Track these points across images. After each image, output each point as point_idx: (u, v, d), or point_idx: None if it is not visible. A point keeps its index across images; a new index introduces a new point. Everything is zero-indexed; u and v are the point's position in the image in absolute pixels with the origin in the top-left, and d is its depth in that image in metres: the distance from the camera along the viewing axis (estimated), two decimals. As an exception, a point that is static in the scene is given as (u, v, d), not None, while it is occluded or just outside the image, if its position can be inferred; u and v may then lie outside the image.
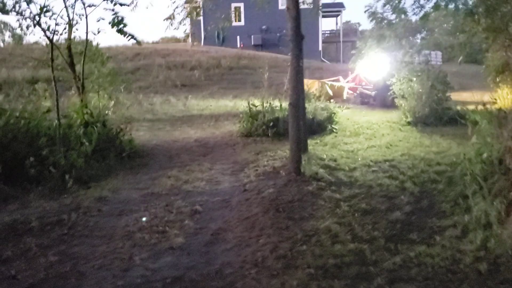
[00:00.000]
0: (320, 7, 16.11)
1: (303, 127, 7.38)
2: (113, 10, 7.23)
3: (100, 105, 9.33)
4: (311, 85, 17.73)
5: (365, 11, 14.81)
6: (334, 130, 11.99)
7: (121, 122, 9.86)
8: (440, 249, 4.78)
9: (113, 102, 11.13)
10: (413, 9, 14.34)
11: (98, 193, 6.69)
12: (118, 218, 5.84)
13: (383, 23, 15.91)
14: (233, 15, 35.84)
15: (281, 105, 11.95)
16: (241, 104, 17.33)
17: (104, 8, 7.34)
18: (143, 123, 13.82)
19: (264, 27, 35.69)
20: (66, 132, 7.62)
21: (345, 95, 17.05)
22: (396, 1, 14.64)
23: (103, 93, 9.83)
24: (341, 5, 39.66)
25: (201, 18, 37.36)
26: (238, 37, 36.00)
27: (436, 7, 14.46)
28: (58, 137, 7.18)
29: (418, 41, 53.47)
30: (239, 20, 36.40)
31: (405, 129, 12.44)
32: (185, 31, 43.00)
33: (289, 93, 7.30)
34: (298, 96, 7.16)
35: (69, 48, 8.43)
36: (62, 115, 8.03)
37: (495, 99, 18.14)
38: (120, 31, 7.19)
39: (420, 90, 13.70)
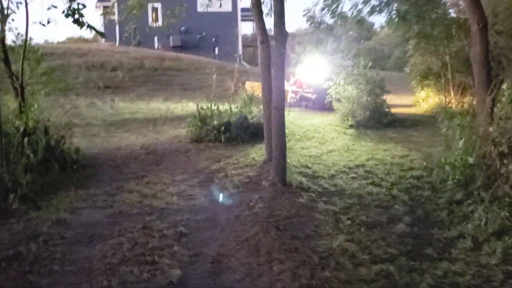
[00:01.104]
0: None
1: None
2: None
3: (34, 109, 7.90)
4: (256, 88, 17.12)
5: (303, 15, 14.55)
6: (284, 134, 11.47)
7: (58, 129, 8.51)
8: (464, 265, 4.42)
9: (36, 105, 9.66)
10: (352, 13, 14.41)
11: (54, 215, 5.50)
12: (90, 246, 4.77)
13: (321, 27, 15.78)
14: (150, 15, 34.34)
15: (230, 108, 11.19)
16: (175, 107, 16.36)
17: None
18: (73, 128, 12.28)
19: (183, 28, 34.43)
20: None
21: (288, 99, 16.66)
22: (334, 6, 14.58)
23: (37, 95, 8.43)
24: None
25: (115, 17, 35.46)
26: (156, 38, 34.48)
27: (371, 11, 14.61)
28: None
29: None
30: (157, 21, 34.83)
31: (350, 132, 12.26)
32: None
33: (272, 96, 6.62)
34: (282, 99, 6.47)
35: (2, 42, 6.99)
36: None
37: (418, 101, 18.89)
38: (77, 22, 6.03)
39: (360, 94, 13.65)
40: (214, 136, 10.50)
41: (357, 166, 7.88)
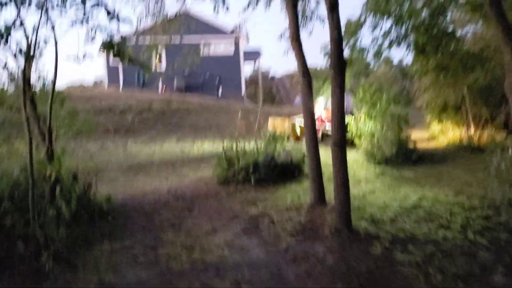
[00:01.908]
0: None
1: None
2: (96, 28, 5.36)
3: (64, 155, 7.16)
4: (278, 124, 16.51)
5: (321, 52, 14.21)
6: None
7: (82, 175, 7.72)
8: None
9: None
10: (372, 47, 14.01)
11: (93, 276, 4.66)
12: (145, 315, 3.92)
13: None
14: (154, 59, 34.21)
15: (257, 147, 10.47)
16: (190, 148, 15.66)
17: (93, 26, 5.44)
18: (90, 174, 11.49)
19: (186, 71, 34.17)
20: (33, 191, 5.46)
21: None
22: (352, 41, 14.18)
23: (61, 139, 7.73)
24: (258, 53, 39.62)
25: (119, 62, 35.29)
26: (159, 81, 34.24)
27: (390, 45, 14.21)
28: (31, 199, 5.06)
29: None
30: (161, 66, 34.71)
31: (380, 170, 11.51)
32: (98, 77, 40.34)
33: (331, 131, 5.91)
34: (343, 135, 5.76)
35: (28, 82, 6.30)
36: (22, 168, 5.90)
37: (435, 135, 18.24)
38: (118, 54, 5.40)
39: (385, 129, 13.01)
40: (242, 178, 9.75)
41: (413, 207, 7.09)
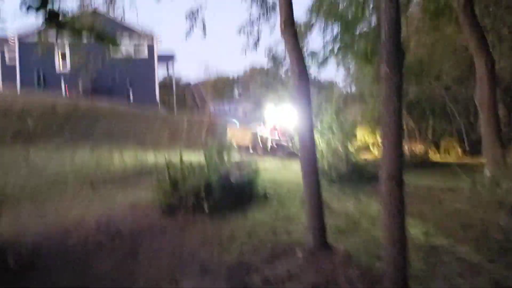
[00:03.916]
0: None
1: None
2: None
3: None
4: (240, 134, 14.42)
5: (266, 55, 12.71)
6: (267, 195, 8.88)
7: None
8: None
9: None
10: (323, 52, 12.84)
11: None
12: None
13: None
14: (57, 60, 30.49)
15: (208, 164, 8.31)
16: (109, 161, 13.05)
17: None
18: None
19: (94, 73, 30.64)
20: None
21: (269, 146, 14.15)
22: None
23: None
24: (171, 57, 37.02)
25: (16, 61, 30.86)
26: (64, 82, 30.41)
27: (331, 52, 13.07)
28: None
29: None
30: (65, 66, 30.93)
31: (342, 190, 9.99)
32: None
33: (383, 156, 3.97)
34: (401, 164, 3.87)
35: None
36: None
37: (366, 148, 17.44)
38: (53, 16, 3.17)
39: (334, 144, 11.58)
40: (194, 203, 7.58)
41: (430, 249, 5.51)
